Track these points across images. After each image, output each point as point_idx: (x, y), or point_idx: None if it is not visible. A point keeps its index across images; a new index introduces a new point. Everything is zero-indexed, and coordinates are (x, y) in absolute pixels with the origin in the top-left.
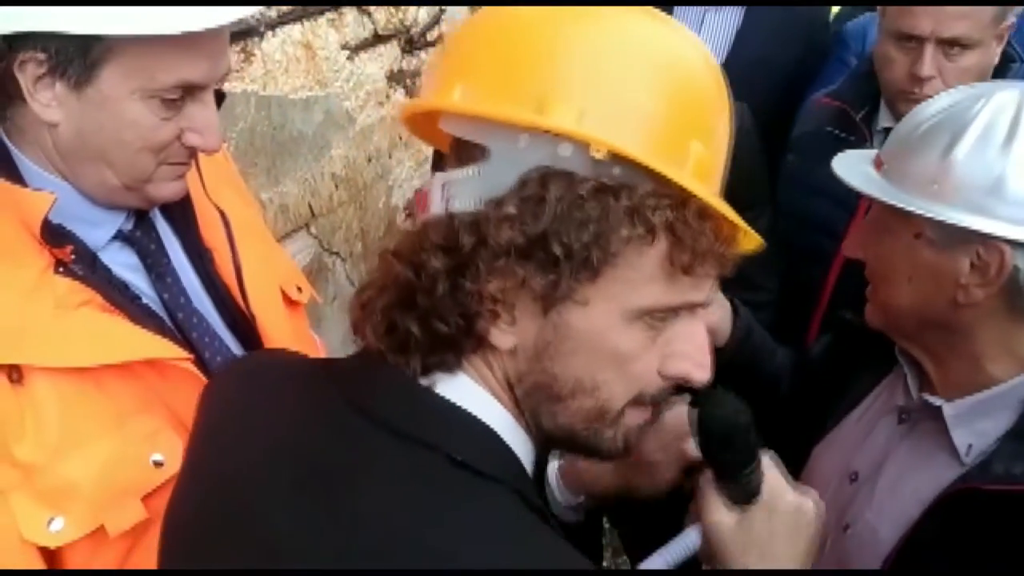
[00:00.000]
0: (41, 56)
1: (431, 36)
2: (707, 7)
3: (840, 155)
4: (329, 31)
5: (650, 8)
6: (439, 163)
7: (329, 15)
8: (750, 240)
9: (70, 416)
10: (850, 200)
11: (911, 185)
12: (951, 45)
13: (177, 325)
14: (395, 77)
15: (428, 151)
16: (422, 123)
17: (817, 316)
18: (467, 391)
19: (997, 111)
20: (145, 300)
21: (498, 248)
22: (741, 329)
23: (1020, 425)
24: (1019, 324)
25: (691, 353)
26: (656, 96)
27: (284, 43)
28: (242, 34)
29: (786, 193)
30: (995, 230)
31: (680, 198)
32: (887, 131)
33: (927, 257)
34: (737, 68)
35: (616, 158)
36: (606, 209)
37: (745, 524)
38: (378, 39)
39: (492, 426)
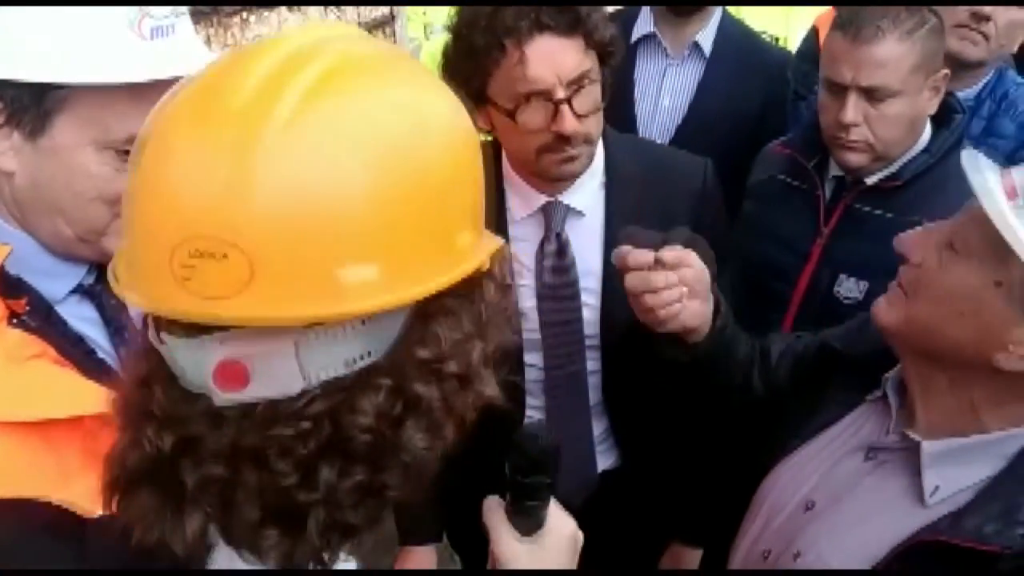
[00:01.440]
0: None
1: None
2: (668, 62)
3: (974, 156)
4: None
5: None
6: None
7: None
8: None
9: (14, 471)
10: (802, 245)
11: None
12: (873, 93)
13: None
14: None
15: None
16: None
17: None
18: None
19: None
20: (101, 354)
21: None
22: (718, 328)
23: (997, 483)
24: (1019, 389)
25: None
26: (423, 217)
27: None
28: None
29: (743, 240)
30: None
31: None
32: (837, 179)
33: (995, 306)
34: (699, 119)
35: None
36: (501, 297)
37: (537, 552)
38: None
39: None
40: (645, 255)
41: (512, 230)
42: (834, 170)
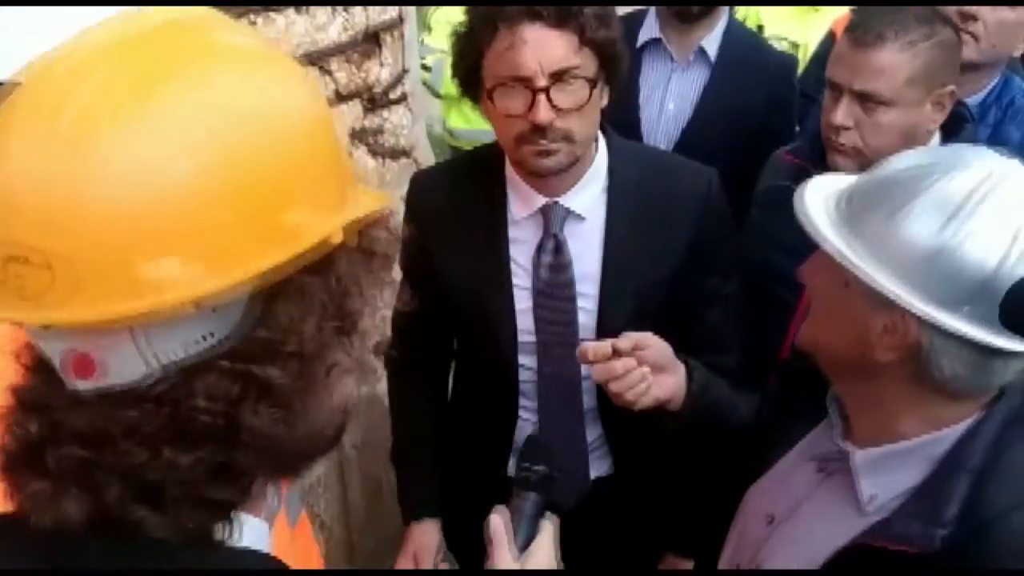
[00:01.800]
0: None
1: (394, 95)
2: (673, 67)
3: (820, 179)
4: None
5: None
6: None
7: None
8: (376, 201)
9: None
10: (806, 250)
11: (854, 233)
12: (866, 99)
13: None
14: (357, 135)
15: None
16: None
17: (779, 364)
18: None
19: (951, 188)
20: None
21: None
22: (694, 392)
23: (923, 485)
24: (927, 391)
25: None
26: (225, 201)
27: None
28: None
29: (749, 247)
30: (908, 303)
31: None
32: None
33: (852, 306)
34: (704, 125)
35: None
36: (366, 266)
37: (529, 564)
38: (340, 98)
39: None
40: (603, 347)
41: (511, 231)
42: None
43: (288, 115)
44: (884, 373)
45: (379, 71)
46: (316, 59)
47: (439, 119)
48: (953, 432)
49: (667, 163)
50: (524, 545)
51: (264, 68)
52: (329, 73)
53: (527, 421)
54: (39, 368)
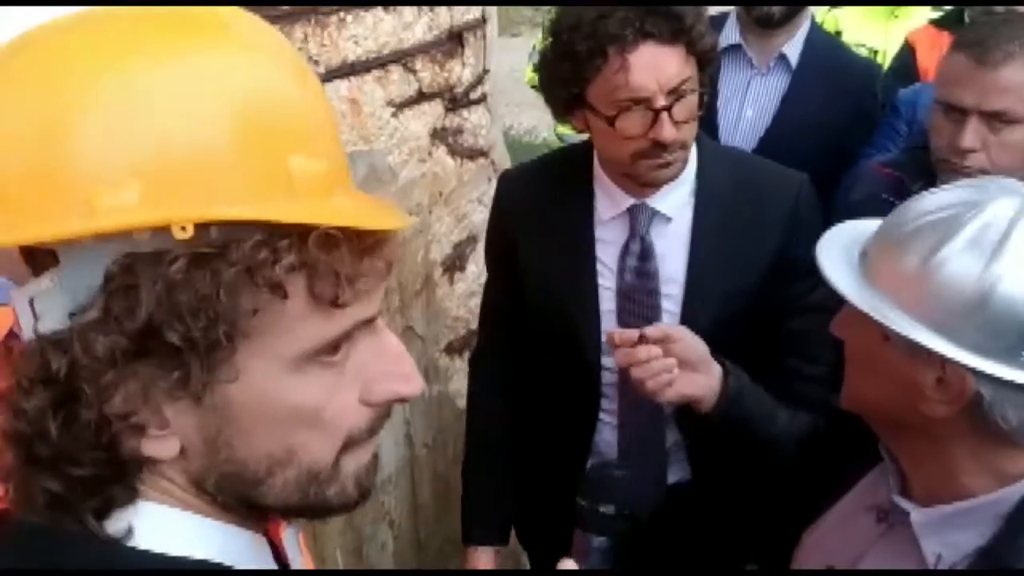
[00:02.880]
0: None
1: (474, 95)
2: (752, 73)
3: (837, 227)
4: (375, 87)
5: (185, 20)
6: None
7: (376, 72)
8: (395, 221)
9: None
10: None
11: (884, 285)
12: (995, 119)
13: None
14: (437, 135)
15: (467, 208)
16: None
17: None
18: (158, 520)
19: (985, 226)
20: None
21: (98, 361)
22: (727, 396)
23: (992, 544)
24: (990, 443)
25: (390, 370)
26: (216, 131)
27: (331, 98)
28: None
29: None
30: (957, 356)
31: (299, 231)
32: None
33: (894, 360)
34: (783, 132)
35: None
36: (216, 281)
37: None
38: (422, 97)
39: (199, 549)
40: (631, 333)
41: (598, 231)
42: None
43: (263, 67)
44: (941, 427)
45: (461, 71)
46: (401, 57)
47: (533, 129)
48: (1020, 488)
49: (757, 168)
50: None
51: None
52: (413, 72)
53: (607, 424)
54: None
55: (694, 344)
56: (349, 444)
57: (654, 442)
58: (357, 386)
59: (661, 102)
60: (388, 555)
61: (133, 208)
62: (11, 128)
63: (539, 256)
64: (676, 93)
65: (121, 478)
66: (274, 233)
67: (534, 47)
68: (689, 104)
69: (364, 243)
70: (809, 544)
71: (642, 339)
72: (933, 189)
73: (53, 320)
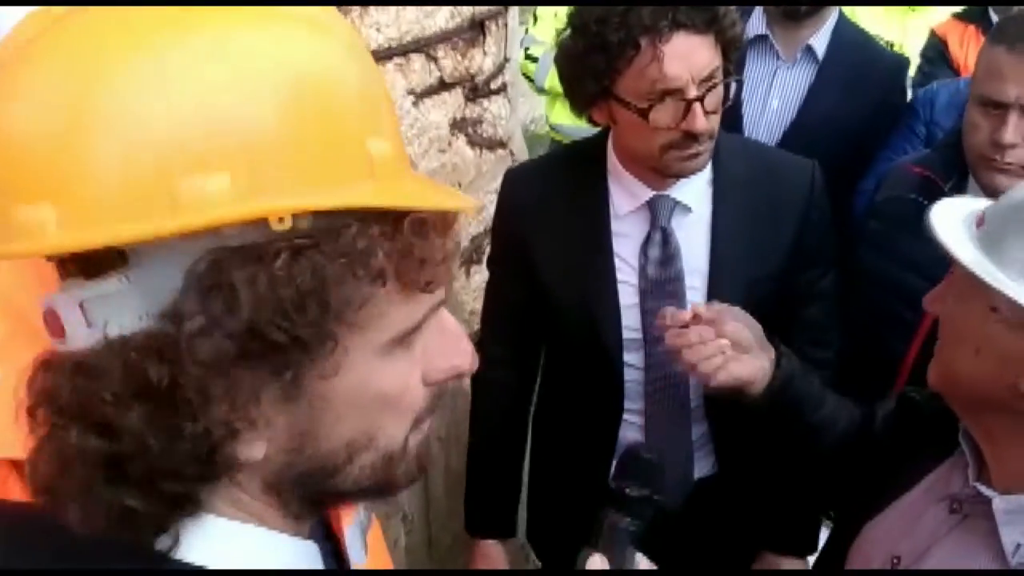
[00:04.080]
0: None
1: (495, 84)
2: (778, 64)
3: (946, 201)
4: (396, 76)
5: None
6: None
7: (397, 60)
8: (460, 203)
9: None
10: (934, 271)
11: (1002, 255)
12: None
13: None
14: (458, 125)
15: (485, 200)
16: None
17: (895, 391)
18: (225, 535)
19: None
20: None
21: (205, 368)
22: (780, 379)
23: None
24: None
25: (450, 347)
26: (298, 113)
27: None
28: None
29: (870, 260)
30: None
31: (391, 217)
32: None
33: (998, 334)
34: (808, 124)
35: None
36: (319, 274)
37: None
38: (443, 86)
39: (264, 562)
40: (683, 313)
41: (615, 225)
42: (973, 192)
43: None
44: None
45: (482, 60)
46: (423, 45)
47: (539, 117)
48: None
49: (771, 157)
50: None
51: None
52: (435, 60)
53: (632, 424)
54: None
55: (749, 325)
56: (416, 423)
57: (680, 439)
58: (421, 366)
59: (694, 92)
60: (400, 551)
61: (225, 199)
62: (53, 112)
63: (552, 253)
64: (708, 83)
65: (204, 489)
66: (366, 220)
67: (526, 31)
68: (718, 93)
69: (440, 226)
70: (872, 537)
71: (695, 319)
72: None
73: (122, 325)
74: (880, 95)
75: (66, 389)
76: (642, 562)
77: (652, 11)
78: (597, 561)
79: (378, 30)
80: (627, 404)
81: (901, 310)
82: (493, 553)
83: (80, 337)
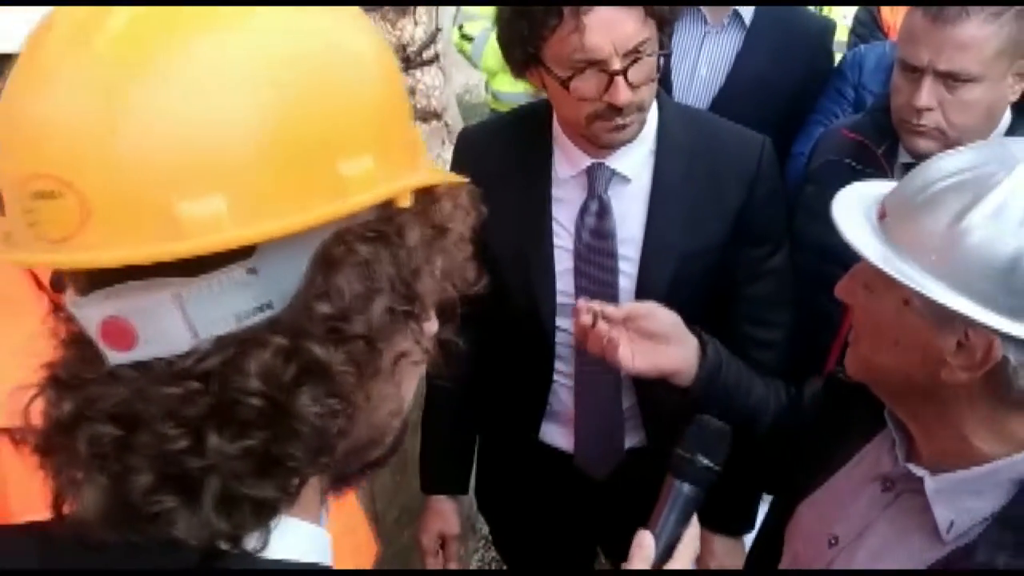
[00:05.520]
0: None
1: (427, 55)
2: (706, 30)
3: (849, 189)
4: None
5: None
6: None
7: None
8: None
9: None
10: None
11: (908, 248)
12: (951, 77)
13: None
14: None
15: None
16: None
17: (835, 350)
18: (291, 530)
19: (1018, 186)
20: None
21: (363, 340)
22: (707, 369)
23: (1009, 511)
24: (1007, 409)
25: None
26: (392, 96)
27: None
28: None
29: (803, 223)
30: (988, 320)
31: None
32: (906, 166)
33: (915, 325)
34: (737, 90)
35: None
36: (441, 245)
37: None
38: None
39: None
40: (584, 318)
41: (555, 190)
42: (903, 156)
43: (350, 58)
44: (955, 394)
45: (413, 29)
46: None
47: (475, 87)
48: None
49: (719, 128)
50: (667, 547)
51: (321, 11)
52: None
53: (562, 385)
54: (76, 341)
55: (664, 317)
56: None
57: (610, 407)
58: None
59: (616, 65)
60: None
61: (377, 178)
62: (215, 106)
63: (497, 216)
64: (632, 55)
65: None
66: (425, 197)
67: (458, 9)
68: (647, 66)
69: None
70: (807, 516)
71: (609, 320)
72: (952, 150)
73: (238, 318)
74: (808, 58)
75: (174, 399)
76: (695, 531)
77: None
78: (647, 538)
79: None
80: (558, 366)
81: (832, 270)
82: (445, 508)
83: (170, 341)
